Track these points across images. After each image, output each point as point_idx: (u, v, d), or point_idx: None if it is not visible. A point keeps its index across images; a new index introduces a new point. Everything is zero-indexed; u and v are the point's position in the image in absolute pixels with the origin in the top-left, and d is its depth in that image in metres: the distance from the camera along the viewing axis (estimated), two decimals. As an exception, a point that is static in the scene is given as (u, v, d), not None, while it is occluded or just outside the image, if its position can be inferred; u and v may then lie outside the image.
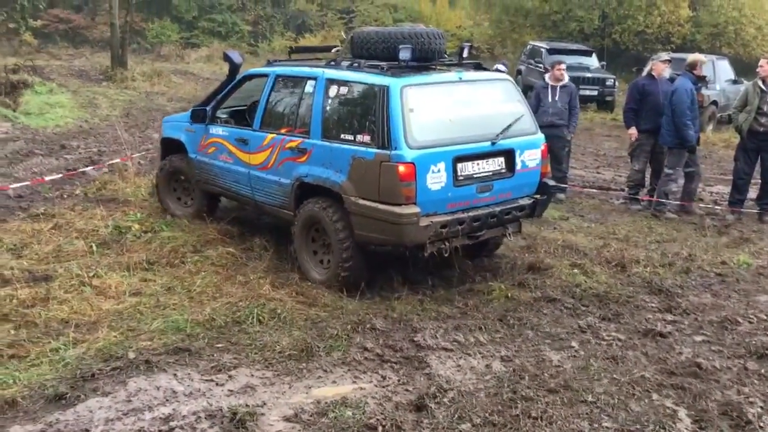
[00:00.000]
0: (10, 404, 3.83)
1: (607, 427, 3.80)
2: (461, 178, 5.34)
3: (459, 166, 5.31)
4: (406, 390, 4.14)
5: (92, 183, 8.61)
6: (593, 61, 19.25)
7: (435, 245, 5.31)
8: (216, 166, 6.69)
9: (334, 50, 6.88)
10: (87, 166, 9.51)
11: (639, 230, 7.70)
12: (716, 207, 8.86)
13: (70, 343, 4.53)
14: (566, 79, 9.12)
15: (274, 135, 6.01)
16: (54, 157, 10.24)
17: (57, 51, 25.11)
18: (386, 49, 5.66)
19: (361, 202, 5.24)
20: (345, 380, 4.24)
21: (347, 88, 5.54)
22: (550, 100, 8.92)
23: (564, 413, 3.89)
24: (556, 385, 4.20)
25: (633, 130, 8.69)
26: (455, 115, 5.49)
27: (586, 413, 3.92)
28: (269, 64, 6.65)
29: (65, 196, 8.14)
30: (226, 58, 6.83)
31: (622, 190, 9.40)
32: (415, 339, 4.75)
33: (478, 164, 5.45)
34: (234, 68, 6.76)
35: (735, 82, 16.33)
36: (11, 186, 8.08)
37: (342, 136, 5.44)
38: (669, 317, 5.33)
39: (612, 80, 18.55)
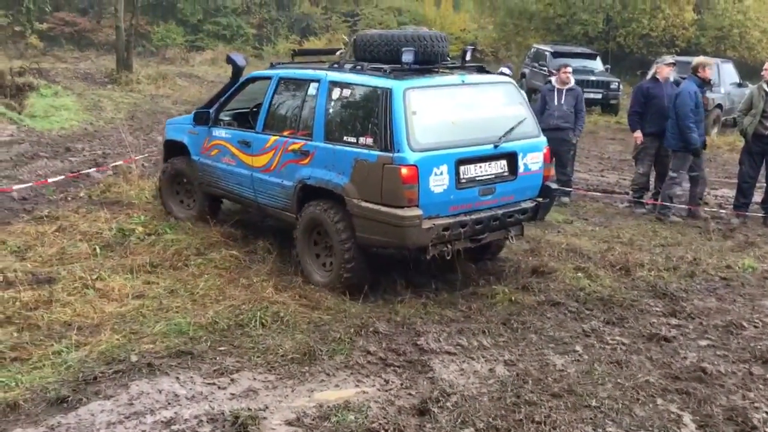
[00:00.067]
0: (12, 407, 3.82)
1: (611, 432, 3.78)
2: (464, 180, 5.33)
3: (461, 168, 5.30)
4: (409, 394, 4.12)
5: (96, 185, 8.63)
6: (597, 65, 19.23)
7: (437, 248, 5.30)
8: (219, 168, 6.69)
9: (337, 53, 6.87)
10: (90, 169, 9.52)
11: (643, 234, 7.67)
12: (721, 211, 8.82)
13: (73, 346, 4.53)
14: (572, 82, 9.11)
15: (277, 137, 6.01)
16: (59, 160, 10.27)
17: (62, 54, 25.22)
18: (389, 51, 5.65)
19: (364, 204, 5.24)
20: (348, 384, 4.22)
21: (350, 90, 5.53)
22: (556, 103, 8.91)
23: (568, 418, 3.86)
24: (559, 389, 4.18)
25: (638, 134, 8.67)
26: (458, 117, 5.48)
27: (590, 418, 3.89)
28: (272, 66, 6.65)
29: (69, 198, 8.16)
30: (230, 60, 6.84)
31: (627, 193, 9.37)
32: (419, 342, 4.73)
33: (480, 167, 5.44)
34: (237, 71, 6.77)
35: (740, 85, 16.30)
36: (14, 187, 8.10)
37: (345, 138, 5.44)
38: (673, 321, 5.30)
39: (616, 83, 18.53)
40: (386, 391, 4.15)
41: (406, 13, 33.24)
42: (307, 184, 5.69)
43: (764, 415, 4.01)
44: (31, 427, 3.66)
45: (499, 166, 5.58)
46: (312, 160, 5.64)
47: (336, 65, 6.01)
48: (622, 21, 25.38)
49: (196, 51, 28.51)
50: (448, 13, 33.20)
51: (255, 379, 4.22)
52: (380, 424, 3.74)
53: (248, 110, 6.90)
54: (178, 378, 4.16)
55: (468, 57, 6.06)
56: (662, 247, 7.19)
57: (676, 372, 4.47)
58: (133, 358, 4.35)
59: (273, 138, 6.05)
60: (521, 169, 5.69)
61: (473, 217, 5.38)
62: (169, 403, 3.90)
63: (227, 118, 6.93)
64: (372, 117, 5.27)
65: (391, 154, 5.06)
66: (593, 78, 17.95)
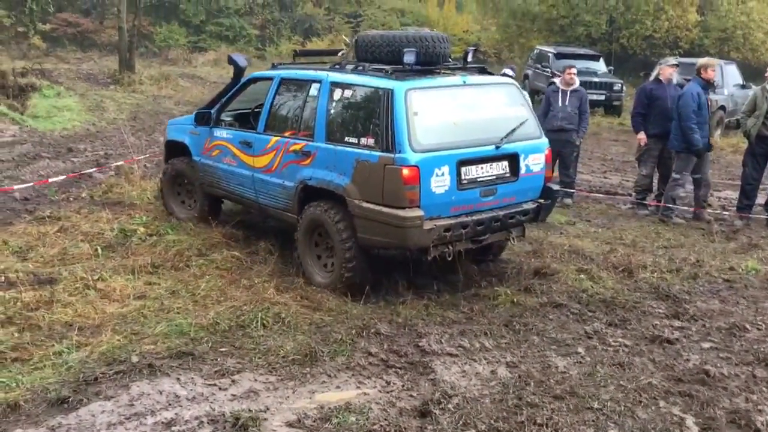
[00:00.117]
0: (13, 408, 3.81)
1: (613, 435, 3.76)
2: (465, 181, 5.31)
3: (463, 169, 5.29)
4: (411, 396, 4.10)
5: (98, 186, 8.64)
6: (601, 66, 19.21)
7: (438, 249, 5.29)
8: (220, 168, 6.68)
9: (339, 54, 6.87)
10: (92, 169, 9.53)
11: (646, 235, 7.65)
12: (724, 212, 8.79)
13: (74, 347, 4.52)
14: (577, 83, 9.09)
15: (278, 138, 6.01)
16: (61, 160, 10.28)
17: (65, 54, 25.29)
18: (391, 52, 5.64)
19: (365, 205, 5.22)
20: (349, 385, 4.20)
21: (351, 91, 5.52)
22: (560, 104, 8.89)
23: (570, 420, 3.84)
24: (561, 391, 4.16)
25: (642, 135, 8.64)
26: (459, 118, 5.47)
27: (592, 420, 3.87)
28: (274, 67, 6.65)
29: (71, 199, 8.16)
30: (231, 61, 6.83)
31: (630, 195, 9.35)
32: (420, 344, 4.71)
33: (482, 168, 5.42)
34: (239, 71, 6.76)
35: (743, 86, 16.26)
36: (15, 187, 8.10)
37: (346, 139, 5.43)
38: (676, 323, 5.28)
39: (619, 85, 18.51)
40: (387, 392, 4.13)
41: (409, 14, 33.28)
42: (308, 185, 5.69)
43: (767, 417, 3.98)
44: (32, 428, 3.65)
45: (501, 167, 5.57)
46: (313, 161, 5.64)
47: (337, 66, 6.00)
48: (625, 22, 25.34)
49: (199, 52, 28.55)
50: (451, 15, 33.22)
51: (256, 380, 4.20)
52: (381, 425, 3.73)
53: (249, 111, 6.90)
54: (178, 379, 4.15)
55: (470, 58, 6.06)
56: (665, 248, 7.17)
57: (679, 374, 4.45)
58: (134, 359, 4.34)
59: (274, 138, 6.05)
60: (523, 170, 5.68)
61: (474, 218, 5.37)
62: (169, 404, 3.89)
63: (228, 119, 6.93)
64: (373, 118, 5.26)
65: (392, 155, 5.05)
66: (596, 79, 17.94)
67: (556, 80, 9.37)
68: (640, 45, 25.41)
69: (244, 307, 5.13)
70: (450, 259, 5.41)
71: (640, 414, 3.96)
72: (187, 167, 7.15)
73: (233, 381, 4.17)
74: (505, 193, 5.61)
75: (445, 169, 5.16)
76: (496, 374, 4.39)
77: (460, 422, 3.79)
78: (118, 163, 9.47)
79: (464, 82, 5.60)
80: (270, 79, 6.37)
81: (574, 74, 9.07)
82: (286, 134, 5.99)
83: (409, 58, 5.37)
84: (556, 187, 6.19)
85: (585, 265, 6.36)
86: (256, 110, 6.67)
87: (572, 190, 9.12)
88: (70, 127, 12.86)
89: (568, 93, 8.94)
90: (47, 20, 27.65)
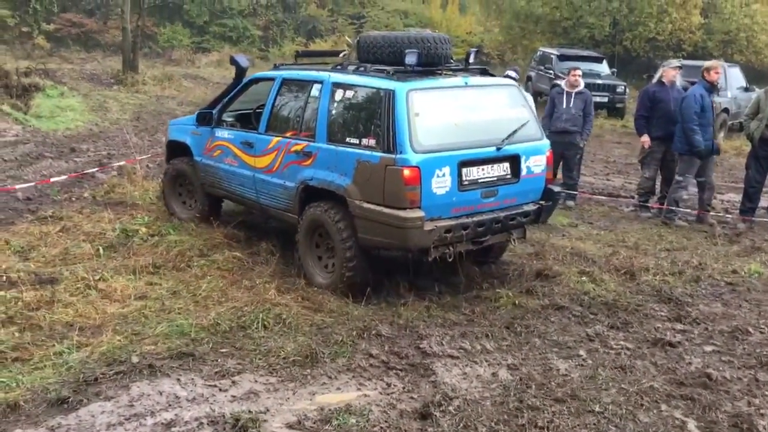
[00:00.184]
0: (13, 408, 3.81)
1: (614, 438, 3.75)
2: (466, 182, 5.31)
3: (464, 170, 5.28)
4: (411, 398, 4.09)
5: (100, 186, 8.64)
6: (604, 68, 19.19)
7: (439, 250, 5.27)
8: (221, 169, 6.68)
9: (341, 54, 6.87)
10: (94, 169, 9.54)
11: (649, 238, 7.63)
12: (727, 215, 8.77)
13: (74, 347, 4.51)
14: (582, 85, 9.07)
15: (280, 138, 6.01)
16: (63, 160, 10.29)
17: (69, 55, 25.34)
18: (392, 53, 5.64)
19: (366, 205, 5.22)
20: (349, 387, 4.19)
21: (353, 91, 5.52)
22: (564, 106, 8.87)
23: (571, 423, 3.83)
24: (563, 394, 4.14)
25: (646, 138, 8.61)
26: (461, 119, 5.47)
27: (594, 424, 3.86)
28: (275, 67, 6.65)
29: (73, 198, 8.17)
30: (233, 61, 6.83)
31: (632, 197, 9.33)
32: (421, 346, 4.70)
33: (483, 169, 5.42)
34: (240, 72, 6.76)
35: (746, 89, 16.21)
36: (17, 186, 8.11)
37: (347, 139, 5.42)
38: (678, 326, 5.26)
39: (623, 87, 18.49)
40: (388, 394, 4.12)
41: (412, 16, 33.29)
42: (309, 185, 5.68)
43: (770, 421, 3.97)
44: (31, 428, 3.65)
45: (502, 169, 5.56)
46: (314, 161, 5.63)
47: (339, 67, 6.00)
48: (628, 24, 25.33)
49: (202, 52, 28.61)
50: (454, 16, 33.21)
51: (256, 381, 4.19)
52: (382, 427, 3.72)
53: (251, 111, 6.90)
54: (179, 380, 4.14)
55: (471, 59, 6.05)
56: (668, 251, 7.14)
57: (681, 378, 4.44)
58: (134, 360, 4.33)
59: (276, 139, 6.04)
60: (524, 171, 5.67)
61: (475, 219, 5.36)
62: (169, 405, 3.88)
63: (230, 119, 6.93)
64: (375, 118, 5.25)
65: (393, 156, 5.05)
66: (599, 81, 17.90)
67: (561, 82, 9.34)
68: (643, 47, 25.39)
69: (245, 308, 5.12)
70: (451, 260, 5.40)
71: (641, 417, 3.95)
72: (188, 167, 7.15)
73: (233, 382, 4.16)
74: (506, 194, 5.60)
75: (446, 170, 5.15)
76: (497, 376, 4.37)
77: (461, 425, 3.77)
78: (121, 163, 9.49)
79: (466, 83, 5.59)
80: (272, 79, 6.37)
81: (579, 76, 9.04)
82: (288, 135, 5.99)
83: (410, 59, 5.37)
84: (557, 188, 6.18)
85: (587, 268, 6.34)
86: (257, 111, 6.67)
87: (575, 192, 9.10)
88: (73, 127, 12.88)
89: (573, 95, 8.92)
90: (51, 20, 27.74)
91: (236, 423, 3.69)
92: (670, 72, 8.65)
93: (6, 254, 6.13)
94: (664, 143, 8.49)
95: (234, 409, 3.84)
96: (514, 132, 5.57)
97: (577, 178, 9.31)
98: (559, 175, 9.20)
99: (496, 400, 4.06)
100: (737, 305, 5.75)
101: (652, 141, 8.57)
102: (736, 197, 9.44)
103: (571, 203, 8.93)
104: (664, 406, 4.09)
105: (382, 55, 5.73)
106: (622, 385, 4.29)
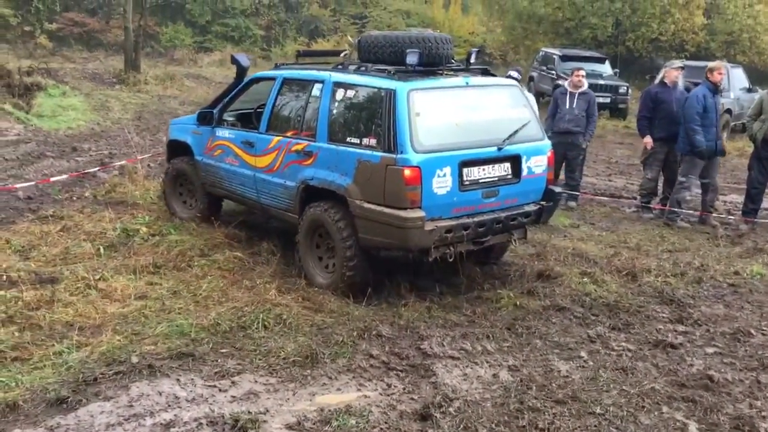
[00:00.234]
0: (12, 407, 3.80)
1: (615, 440, 3.73)
2: (467, 183, 5.29)
3: (465, 171, 5.26)
4: (412, 399, 4.08)
5: (102, 185, 8.64)
6: (606, 69, 19.15)
7: (439, 250, 5.26)
8: (222, 168, 6.68)
9: (342, 54, 6.85)
10: (95, 168, 9.54)
11: (650, 239, 7.61)
12: (730, 217, 8.74)
13: (74, 347, 4.50)
14: (585, 85, 9.03)
15: (280, 138, 6.00)
16: (65, 160, 10.29)
17: (71, 54, 25.37)
18: (394, 53, 5.63)
19: (366, 205, 5.20)
20: (349, 388, 4.18)
21: (354, 91, 5.51)
22: (567, 106, 8.84)
23: (572, 425, 3.81)
24: (564, 396, 4.13)
25: (648, 139, 8.58)
26: (462, 119, 5.45)
27: (595, 425, 3.84)
28: (276, 67, 6.64)
29: (74, 198, 8.16)
30: (234, 60, 6.82)
31: (634, 198, 9.30)
32: (422, 347, 4.69)
33: (484, 169, 5.40)
34: (241, 71, 6.75)
35: (749, 90, 16.17)
36: (18, 185, 8.11)
37: (348, 139, 5.41)
38: (680, 328, 5.24)
39: (625, 88, 18.45)
40: (388, 395, 4.11)
41: (415, 16, 33.27)
42: (309, 185, 5.67)
43: (772, 424, 3.95)
44: (30, 428, 3.64)
45: (503, 169, 5.54)
46: (315, 161, 5.62)
47: (340, 66, 5.99)
48: (631, 25, 25.29)
49: (205, 52, 28.63)
50: (457, 16, 33.18)
51: (256, 381, 4.18)
52: (381, 428, 3.71)
53: (252, 111, 6.89)
54: (178, 380, 4.13)
55: (473, 59, 6.03)
56: (669, 252, 7.12)
57: (683, 379, 4.42)
58: (134, 360, 4.32)
59: (276, 138, 6.03)
60: (525, 172, 5.65)
61: (476, 219, 5.34)
62: (169, 405, 3.87)
63: (231, 119, 6.92)
64: (375, 118, 5.24)
65: (394, 156, 5.03)
66: (602, 82, 17.86)
67: (564, 82, 9.31)
68: (646, 48, 25.36)
69: (246, 308, 5.11)
70: (451, 260, 5.39)
71: (642, 419, 3.93)
72: (189, 167, 7.15)
73: (233, 382, 4.15)
74: (507, 194, 5.58)
75: (447, 170, 5.13)
76: (498, 378, 4.36)
77: (461, 426, 3.76)
78: (122, 163, 9.48)
79: (467, 83, 5.58)
80: (273, 79, 6.36)
81: (582, 76, 9.01)
82: (288, 134, 5.98)
83: (411, 58, 5.36)
84: (558, 189, 6.17)
85: (588, 269, 6.32)
86: (258, 110, 6.66)
87: (577, 193, 9.07)
88: (74, 126, 12.88)
89: (576, 95, 8.89)
90: (53, 20, 27.79)
91: (236, 423, 3.68)
92: (673, 73, 8.62)
93: (6, 253, 6.13)
94: (666, 144, 8.47)
95: (233, 410, 3.83)
96: (515, 132, 5.56)
97: (580, 179, 9.28)
98: (562, 176, 9.18)
99: (496, 402, 4.05)
100: (739, 307, 5.73)
101: (654, 142, 8.55)
102: (739, 198, 9.42)
103: (573, 204, 8.91)
104: (665, 408, 4.07)
105: (383, 55, 5.72)
106: (624, 387, 4.27)
